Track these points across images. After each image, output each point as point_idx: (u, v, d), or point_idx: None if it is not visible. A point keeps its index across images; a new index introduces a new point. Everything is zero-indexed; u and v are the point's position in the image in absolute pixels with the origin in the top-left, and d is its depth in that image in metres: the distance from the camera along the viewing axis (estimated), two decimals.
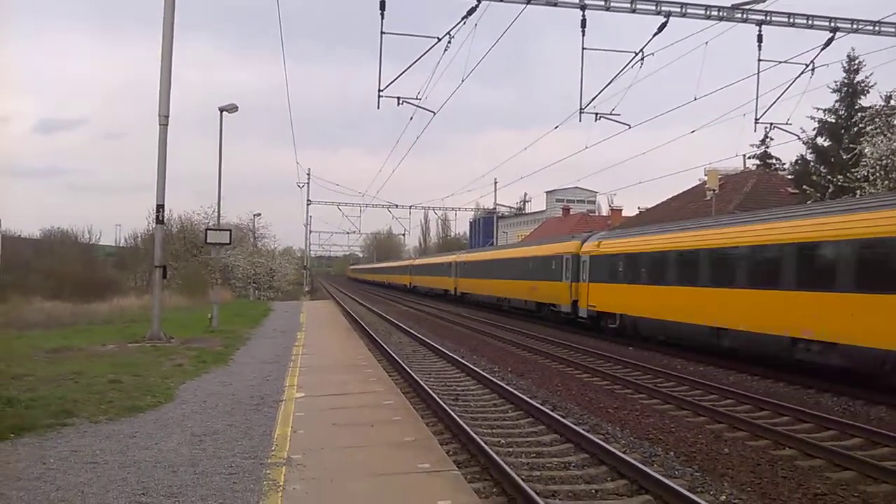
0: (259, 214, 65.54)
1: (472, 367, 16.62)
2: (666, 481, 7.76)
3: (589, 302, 24.15)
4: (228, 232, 26.52)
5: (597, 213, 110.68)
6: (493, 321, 33.01)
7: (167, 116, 19.06)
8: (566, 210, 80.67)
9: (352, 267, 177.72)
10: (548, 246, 26.77)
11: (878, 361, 12.75)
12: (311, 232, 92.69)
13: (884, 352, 12.52)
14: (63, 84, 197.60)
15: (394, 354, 18.61)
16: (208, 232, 25.74)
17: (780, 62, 19.90)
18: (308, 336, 21.85)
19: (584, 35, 18.97)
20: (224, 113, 26.93)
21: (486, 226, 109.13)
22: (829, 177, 29.40)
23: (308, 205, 72.24)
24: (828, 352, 13.98)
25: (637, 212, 58.03)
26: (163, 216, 19.37)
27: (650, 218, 47.23)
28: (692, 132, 32.37)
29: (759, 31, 19.56)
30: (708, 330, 17.79)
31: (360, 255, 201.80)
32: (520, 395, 12.93)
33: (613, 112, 20.14)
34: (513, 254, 33.77)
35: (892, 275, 12.55)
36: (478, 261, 40.65)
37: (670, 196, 49.00)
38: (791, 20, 19.88)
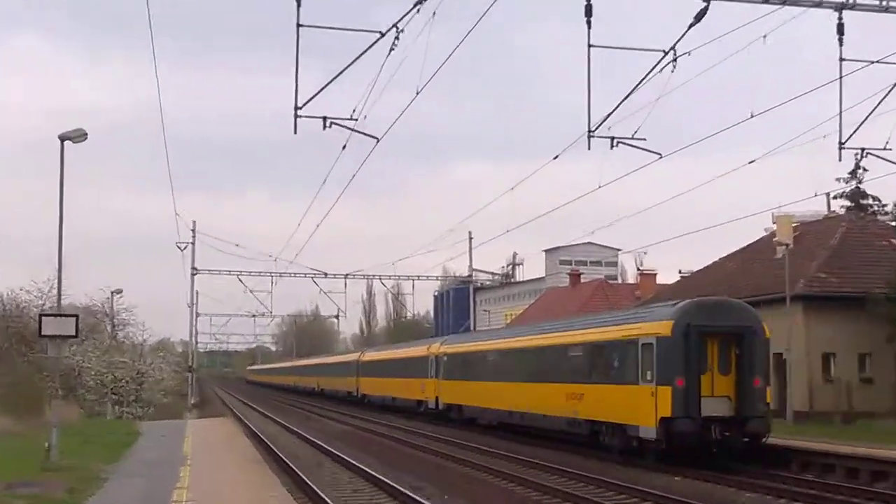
0: (120, 291, 64.77)
1: None
2: None
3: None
4: (74, 318, 26.28)
5: (619, 279, 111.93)
6: (467, 440, 33.03)
7: None
8: (575, 276, 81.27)
9: (251, 367, 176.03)
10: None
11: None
12: (198, 315, 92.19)
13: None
14: None
15: (327, 499, 18.40)
16: (43, 319, 25.48)
17: (872, 62, 20.59)
18: (196, 473, 21.54)
19: (589, 27, 19.60)
20: (66, 142, 26.77)
21: (458, 300, 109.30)
22: None
23: (193, 275, 71.91)
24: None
25: (679, 276, 58.73)
26: None
27: (695, 286, 47.79)
28: (751, 163, 32.58)
29: (840, 18, 20.08)
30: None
31: (273, 347, 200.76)
32: None
33: (636, 136, 20.64)
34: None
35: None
36: None
37: (726, 253, 49.73)
38: (884, 2, 20.35)
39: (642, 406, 25.52)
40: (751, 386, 25.47)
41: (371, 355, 66.38)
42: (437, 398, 45.97)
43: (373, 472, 23.50)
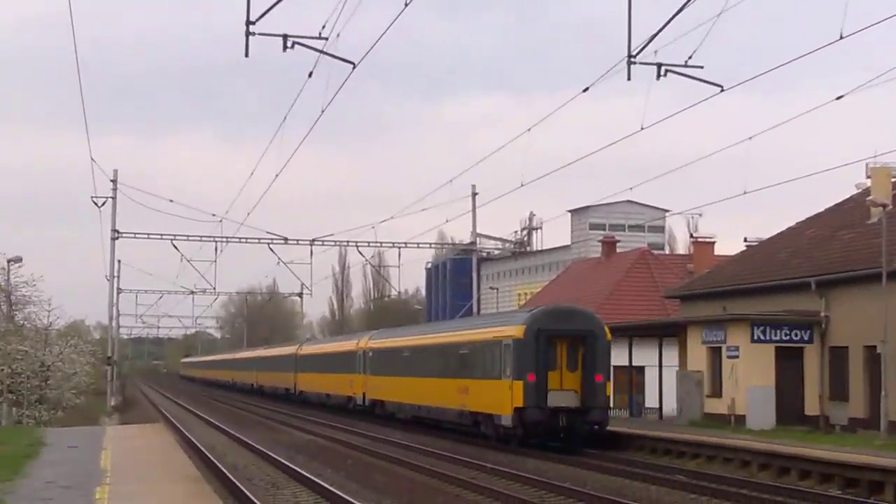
0: (20, 260, 64.53)
1: None
2: None
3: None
4: None
5: (667, 249, 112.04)
6: (458, 452, 34.27)
7: None
8: (609, 244, 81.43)
9: (186, 360, 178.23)
10: None
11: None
12: (119, 292, 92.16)
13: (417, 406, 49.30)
14: None
15: None
16: None
17: None
18: (116, 494, 21.59)
19: None
20: None
21: (456, 274, 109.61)
22: None
23: (114, 239, 71.86)
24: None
25: (744, 245, 58.75)
26: None
27: (763, 257, 47.71)
28: (839, 99, 32.45)
29: None
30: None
31: (217, 333, 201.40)
32: None
33: (690, 63, 20.56)
34: None
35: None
36: None
37: (805, 216, 49.75)
38: None
39: (503, 398, 37.65)
40: (593, 381, 37.04)
41: (308, 349, 78.51)
42: (363, 394, 58.13)
43: (334, 490, 24.38)
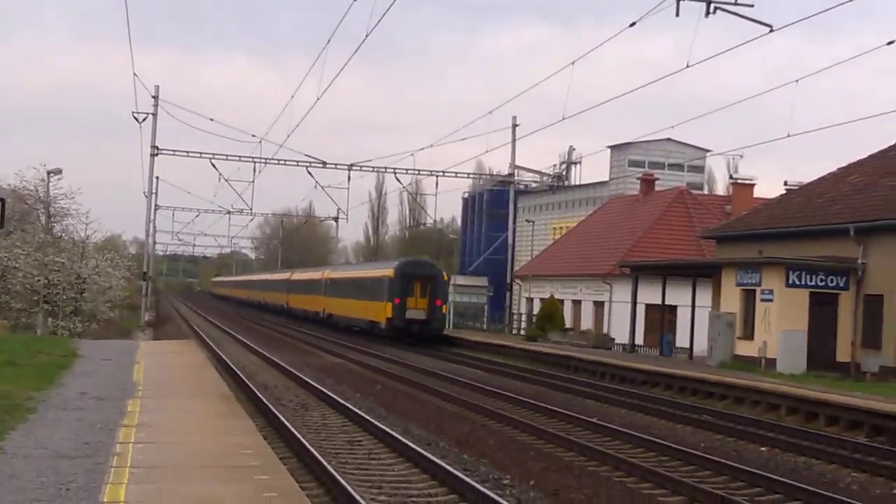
0: (59, 172, 64.77)
1: (471, 482, 16.69)
2: None
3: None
4: None
5: (706, 189, 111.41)
6: (486, 382, 33.76)
7: None
8: (648, 181, 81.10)
9: (216, 279, 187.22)
10: None
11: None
12: (157, 208, 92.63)
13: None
14: None
15: (310, 447, 18.82)
16: None
17: None
18: (148, 408, 21.82)
19: None
20: None
21: (493, 205, 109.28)
22: None
23: (153, 156, 72.14)
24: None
25: (784, 189, 58.39)
26: None
27: (802, 202, 47.46)
28: (889, 44, 31.80)
29: None
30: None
31: (252, 253, 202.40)
32: None
33: (741, 1, 20.34)
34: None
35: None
36: None
37: (847, 162, 49.38)
38: None
39: (381, 312, 61.09)
40: (435, 305, 60.41)
41: (297, 275, 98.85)
42: (324, 309, 79.93)
43: (360, 412, 25.06)
